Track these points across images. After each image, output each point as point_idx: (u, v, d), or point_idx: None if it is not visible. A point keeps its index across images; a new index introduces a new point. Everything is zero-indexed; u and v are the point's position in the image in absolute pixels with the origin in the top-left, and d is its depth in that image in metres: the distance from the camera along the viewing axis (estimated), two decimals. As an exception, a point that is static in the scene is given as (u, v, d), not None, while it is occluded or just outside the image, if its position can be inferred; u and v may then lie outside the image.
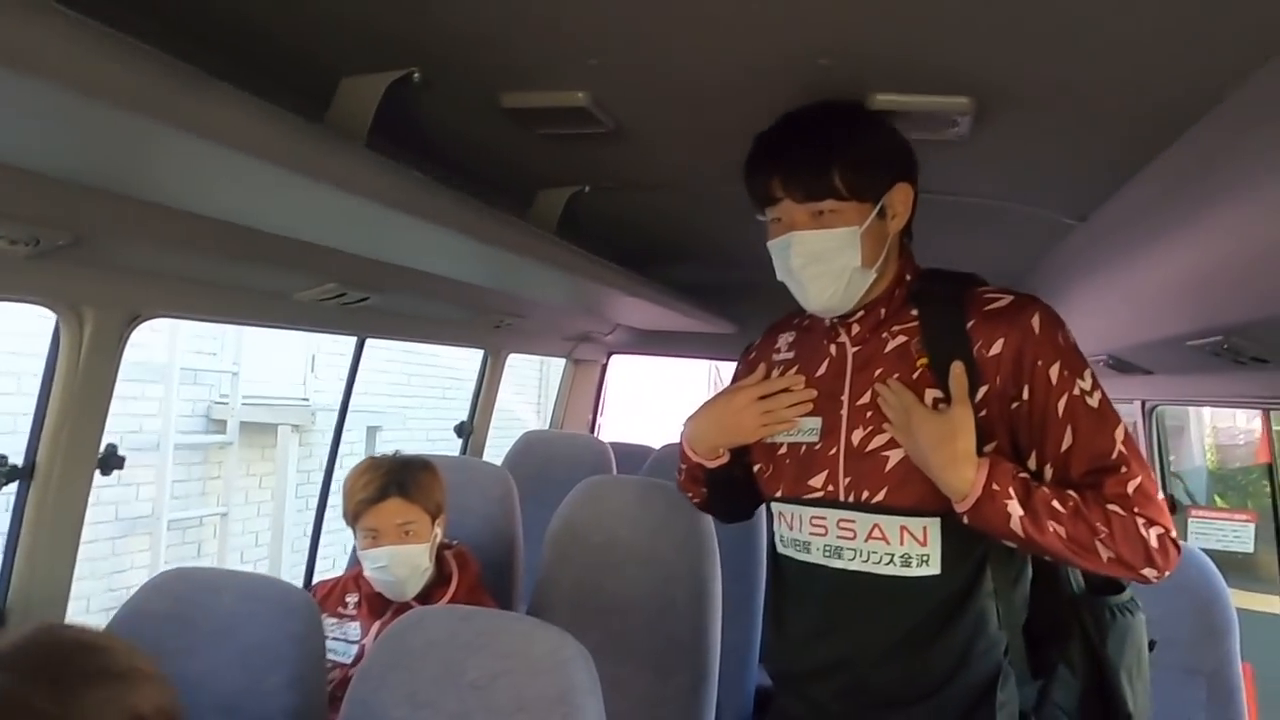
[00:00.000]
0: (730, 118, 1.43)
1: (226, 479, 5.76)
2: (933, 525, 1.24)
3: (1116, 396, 2.69)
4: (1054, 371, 1.19)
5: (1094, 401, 1.19)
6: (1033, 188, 1.81)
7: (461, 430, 3.07)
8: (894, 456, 1.26)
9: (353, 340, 2.58)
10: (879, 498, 1.26)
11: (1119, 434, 1.19)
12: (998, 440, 1.22)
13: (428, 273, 2.01)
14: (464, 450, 3.11)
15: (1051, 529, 1.15)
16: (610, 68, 1.31)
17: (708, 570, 2.08)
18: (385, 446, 6.59)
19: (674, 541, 2.10)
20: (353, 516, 1.99)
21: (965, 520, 1.19)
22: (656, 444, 3.46)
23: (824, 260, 1.25)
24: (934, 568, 1.25)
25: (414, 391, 7.28)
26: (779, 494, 1.39)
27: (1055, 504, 1.16)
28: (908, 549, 1.25)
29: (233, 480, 5.77)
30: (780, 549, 1.41)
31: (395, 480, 2.00)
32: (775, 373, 1.42)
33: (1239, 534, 3.91)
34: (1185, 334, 1.53)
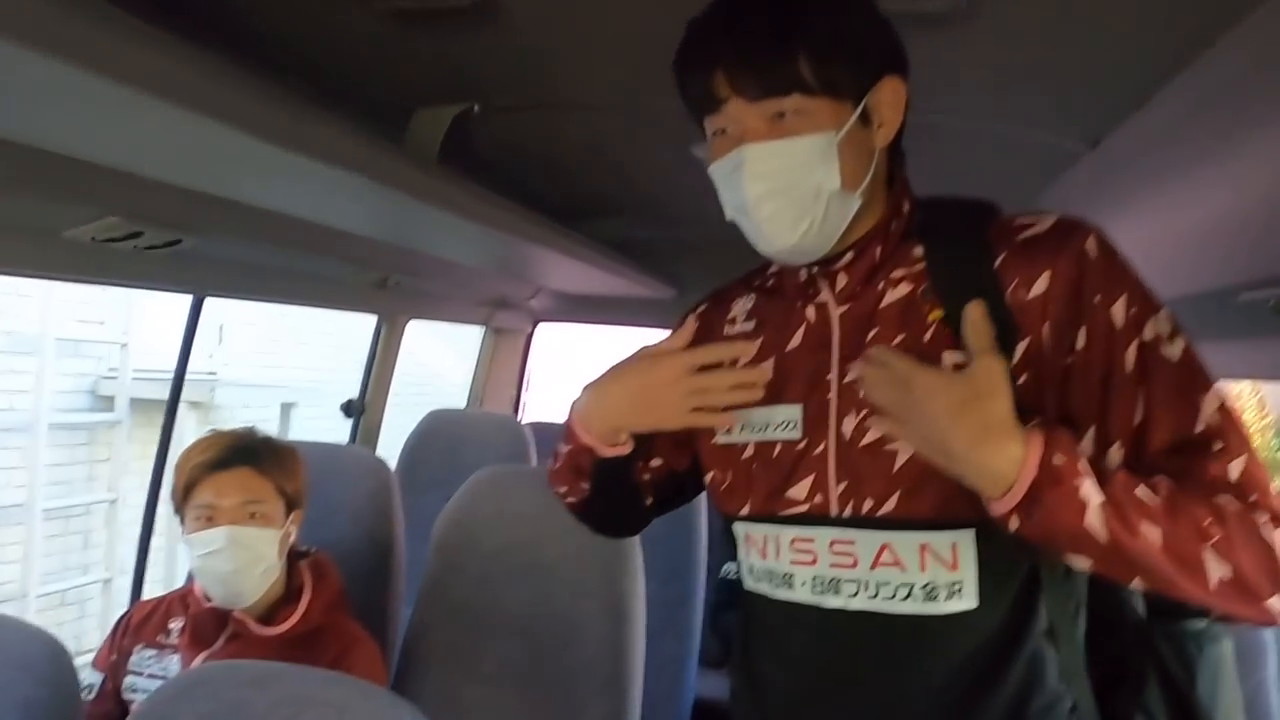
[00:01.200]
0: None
1: (116, 462, 5.21)
2: (964, 541, 0.90)
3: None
4: (1118, 311, 0.86)
5: (1175, 352, 0.85)
6: (1032, 103, 1.44)
7: (350, 409, 2.61)
8: (905, 447, 0.91)
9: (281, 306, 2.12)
10: (887, 508, 0.92)
11: (1210, 400, 0.84)
12: (1047, 414, 0.86)
13: (275, 212, 1.57)
14: (353, 434, 2.66)
15: (1144, 530, 0.79)
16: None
17: (627, 580, 1.72)
18: (304, 424, 6.12)
19: (587, 544, 1.71)
20: (183, 491, 1.56)
21: (1013, 524, 0.82)
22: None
23: (790, 182, 0.90)
24: (969, 600, 0.91)
25: (342, 365, 6.77)
26: (745, 512, 1.03)
27: (1142, 492, 0.80)
28: (931, 576, 0.91)
29: (125, 463, 5.22)
30: (750, 584, 1.06)
31: (245, 446, 1.60)
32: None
33: None
34: (1238, 284, 1.16)
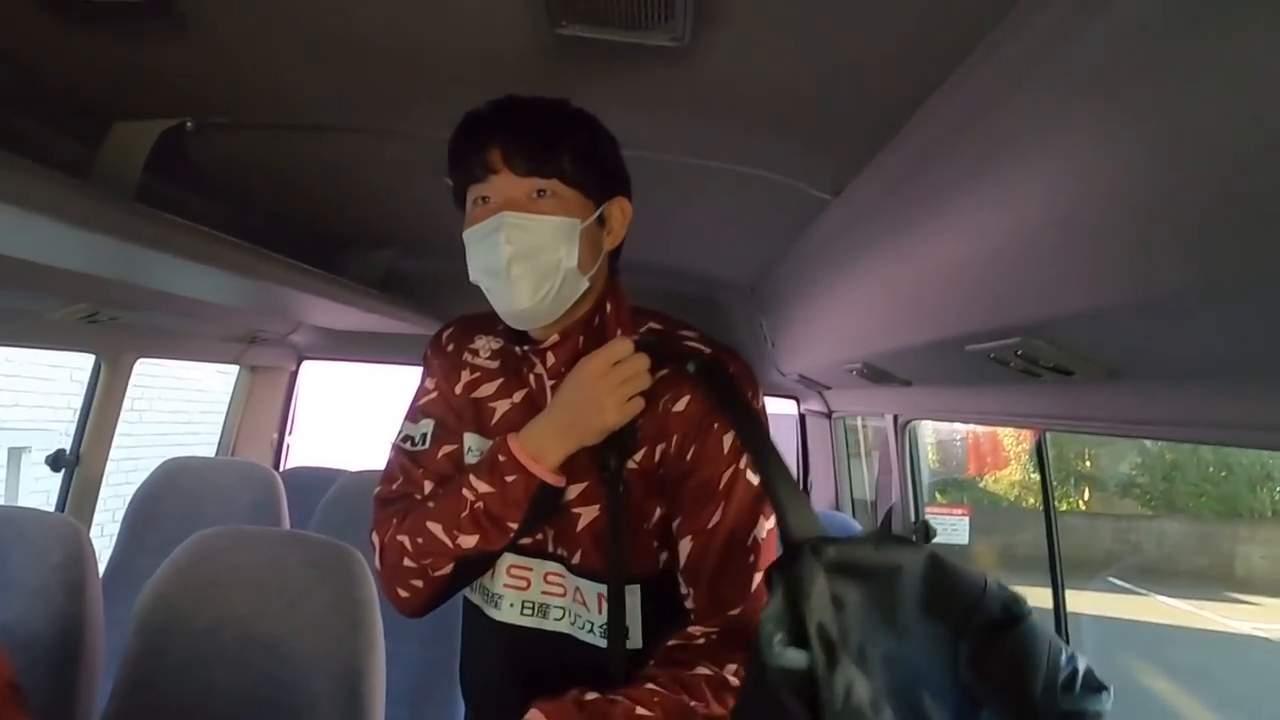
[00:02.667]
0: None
1: None
2: (633, 592, 1.10)
3: (867, 409, 2.39)
4: (728, 439, 1.06)
5: (755, 482, 1.05)
6: (779, 150, 1.43)
7: (58, 462, 2.25)
8: (587, 514, 1.11)
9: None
10: (576, 559, 1.13)
11: (762, 524, 1.06)
12: (663, 509, 1.10)
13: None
14: (63, 492, 2.29)
15: None
16: None
17: (363, 656, 1.53)
18: (35, 471, 5.40)
19: (318, 613, 1.53)
20: None
21: None
22: (353, 465, 2.82)
23: (538, 251, 1.06)
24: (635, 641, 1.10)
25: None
26: None
27: (639, 710, 0.95)
28: (599, 618, 1.11)
29: None
30: (471, 597, 1.24)
31: None
32: (467, 375, 1.22)
33: (956, 527, 4.32)
34: (962, 336, 1.17)
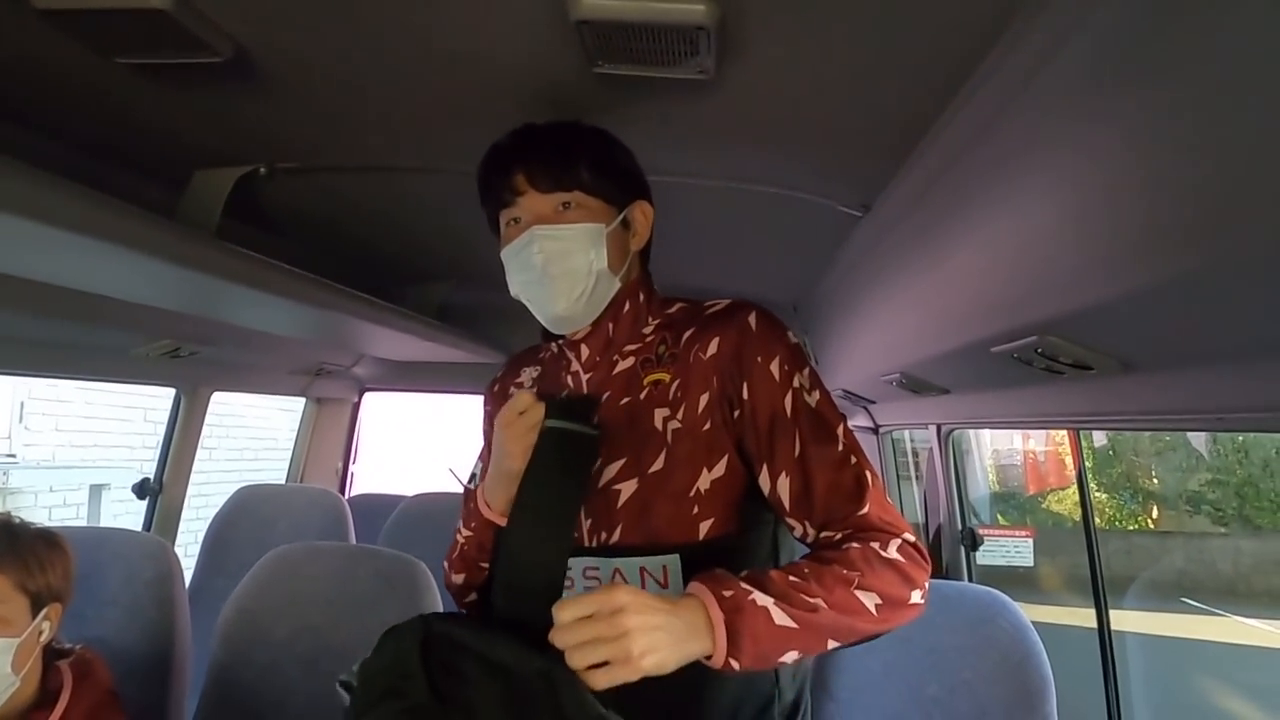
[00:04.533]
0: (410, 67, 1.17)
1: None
2: (672, 561, 1.08)
3: (911, 421, 2.41)
4: (774, 368, 1.09)
5: (814, 399, 1.10)
6: (810, 170, 1.50)
7: (144, 490, 2.41)
8: (626, 489, 1.12)
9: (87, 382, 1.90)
10: (615, 537, 1.12)
11: (842, 432, 1.08)
12: (727, 454, 1.10)
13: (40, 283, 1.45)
14: (148, 519, 2.45)
15: (814, 601, 0.96)
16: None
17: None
18: (114, 508, 5.65)
19: (385, 622, 1.60)
20: None
21: (735, 664, 0.92)
22: (410, 491, 2.93)
23: (569, 257, 1.13)
24: None
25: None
26: None
27: (795, 577, 0.97)
28: (649, 591, 1.04)
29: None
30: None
31: None
32: None
33: (1020, 549, 4.22)
34: (987, 338, 1.23)
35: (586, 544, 1.13)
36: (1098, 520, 11.63)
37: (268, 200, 1.79)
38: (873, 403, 2.62)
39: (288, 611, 1.65)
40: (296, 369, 2.81)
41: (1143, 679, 7.21)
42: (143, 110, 1.38)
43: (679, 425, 1.11)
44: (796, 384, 1.09)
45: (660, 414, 1.12)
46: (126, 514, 5.32)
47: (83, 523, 5.55)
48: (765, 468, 1.08)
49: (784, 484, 1.07)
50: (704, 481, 1.09)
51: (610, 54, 1.07)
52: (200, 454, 2.54)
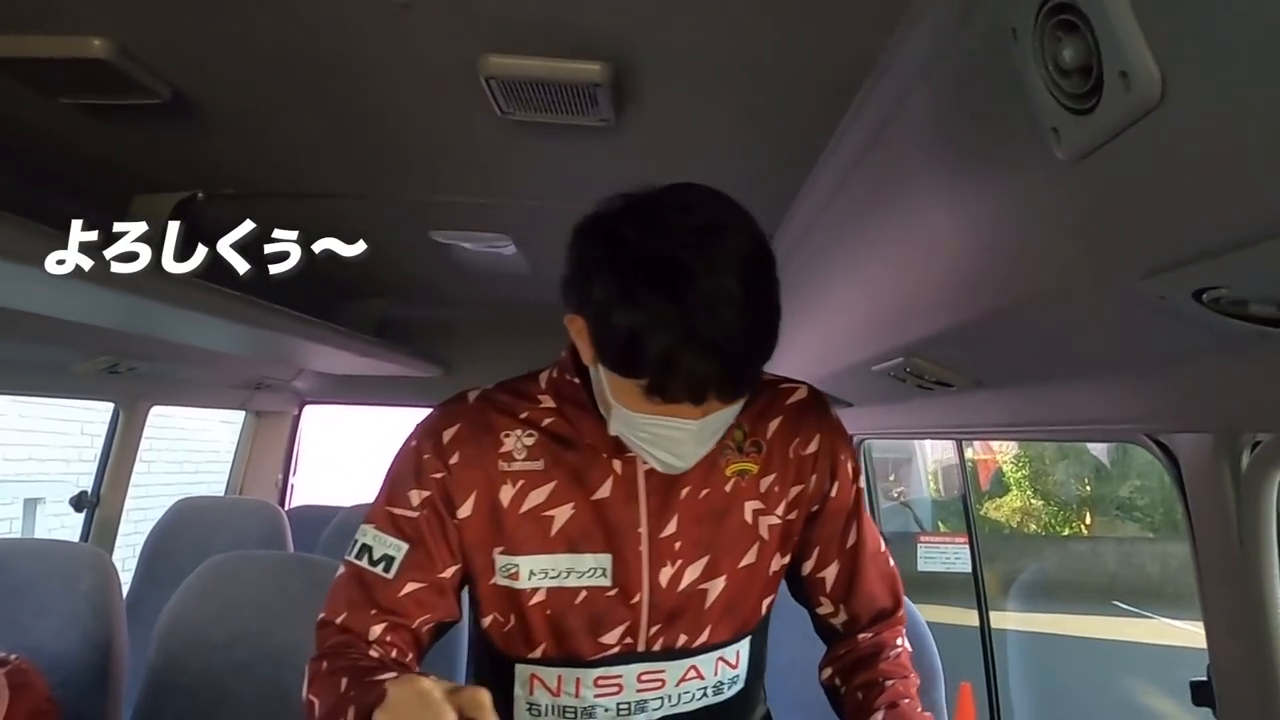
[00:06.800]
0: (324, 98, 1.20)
1: None
2: (744, 645, 1.09)
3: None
4: (850, 465, 1.11)
5: (861, 491, 1.14)
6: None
7: (80, 503, 2.45)
8: (714, 588, 1.04)
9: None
10: (702, 638, 1.05)
11: (869, 516, 1.16)
12: (795, 538, 1.09)
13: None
14: (84, 531, 2.48)
15: None
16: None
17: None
18: (49, 522, 5.58)
19: (319, 629, 1.69)
20: None
21: None
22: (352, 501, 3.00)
23: (717, 433, 0.96)
24: (741, 683, 1.11)
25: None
26: (536, 656, 1.04)
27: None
28: (721, 676, 1.09)
29: None
30: (525, 714, 1.07)
31: None
32: (509, 489, 1.02)
33: (958, 555, 4.28)
34: (868, 358, 1.37)
35: (647, 648, 1.03)
36: (1033, 526, 12.00)
37: (207, 225, 1.87)
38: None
39: (224, 618, 1.71)
40: (236, 383, 2.87)
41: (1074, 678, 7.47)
42: (84, 142, 1.46)
43: (776, 520, 1.06)
44: (859, 482, 1.12)
45: (751, 507, 1.05)
46: (62, 528, 5.25)
47: (17, 535, 5.48)
48: (816, 553, 1.11)
49: (831, 571, 1.11)
50: (776, 564, 1.08)
51: (517, 104, 1.18)
52: (138, 467, 2.59)
